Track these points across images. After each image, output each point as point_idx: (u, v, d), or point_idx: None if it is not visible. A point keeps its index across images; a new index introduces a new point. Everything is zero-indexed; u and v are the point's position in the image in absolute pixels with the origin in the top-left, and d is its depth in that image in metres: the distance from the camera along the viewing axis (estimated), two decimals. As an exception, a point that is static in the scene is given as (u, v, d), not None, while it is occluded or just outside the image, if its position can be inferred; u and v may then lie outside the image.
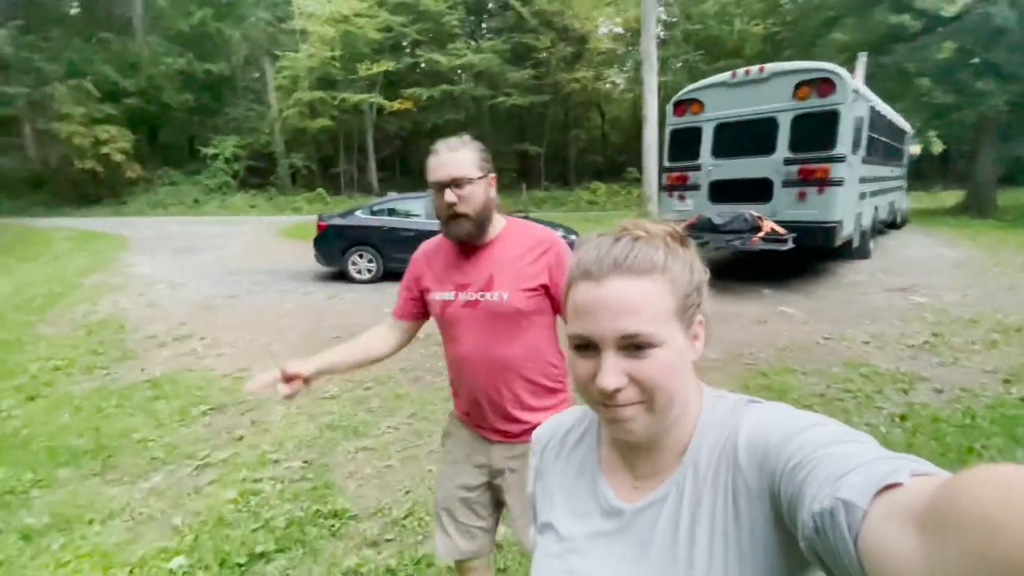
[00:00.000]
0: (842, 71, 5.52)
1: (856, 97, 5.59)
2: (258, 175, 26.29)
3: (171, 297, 6.28)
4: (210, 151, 24.37)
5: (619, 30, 27.74)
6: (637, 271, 0.50)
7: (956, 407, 3.00)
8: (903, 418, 2.90)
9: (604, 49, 26.58)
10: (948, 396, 3.16)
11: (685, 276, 0.52)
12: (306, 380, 1.19)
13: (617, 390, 0.49)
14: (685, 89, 6.75)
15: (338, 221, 7.45)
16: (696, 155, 6.54)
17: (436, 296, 1.27)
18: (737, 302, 5.58)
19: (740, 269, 7.23)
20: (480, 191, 1.18)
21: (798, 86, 5.60)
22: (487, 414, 1.25)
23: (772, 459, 0.46)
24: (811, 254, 6.95)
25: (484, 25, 28.44)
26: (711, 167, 6.43)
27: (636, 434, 0.52)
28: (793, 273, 6.68)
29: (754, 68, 6.02)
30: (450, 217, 1.18)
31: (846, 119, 5.43)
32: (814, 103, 5.51)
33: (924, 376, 3.47)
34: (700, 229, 6.24)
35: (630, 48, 28.29)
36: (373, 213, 7.43)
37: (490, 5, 27.80)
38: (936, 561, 0.28)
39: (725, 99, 6.25)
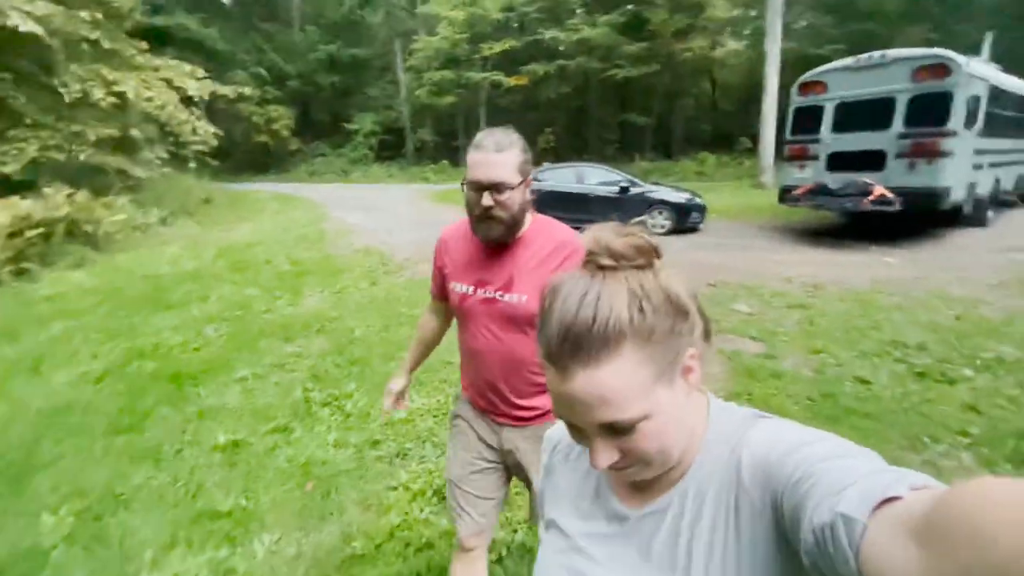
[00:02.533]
0: (959, 56, 6.34)
1: (971, 79, 6.38)
2: (389, 148, 29.69)
3: (394, 237, 8.68)
4: (353, 127, 28.03)
5: (738, -10, 27.08)
6: (603, 352, 0.46)
7: (1001, 315, 4.23)
8: (958, 318, 4.21)
9: (719, 18, 26.13)
10: (998, 310, 4.37)
11: (660, 324, 0.48)
12: (407, 388, 1.50)
13: (611, 465, 0.50)
14: (810, 72, 7.77)
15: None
16: (817, 130, 7.61)
17: (455, 286, 1.30)
18: (845, 254, 6.77)
19: (856, 232, 8.20)
20: (517, 196, 1.17)
21: (916, 70, 6.51)
22: (498, 404, 1.29)
23: (775, 476, 0.46)
24: (925, 220, 7.75)
25: (598, -3, 28.93)
26: (830, 140, 7.49)
27: (639, 479, 0.55)
28: (906, 236, 7.58)
29: (876, 54, 6.94)
30: (483, 217, 1.18)
31: (959, 99, 6.28)
32: (930, 85, 6.41)
33: (988, 300, 4.64)
34: (817, 193, 7.41)
35: (748, 11, 27.52)
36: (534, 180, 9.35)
37: (606, -23, 28.24)
38: (933, 571, 0.29)
39: (847, 81, 7.24)
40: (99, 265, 6.99)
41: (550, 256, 1.22)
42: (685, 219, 8.47)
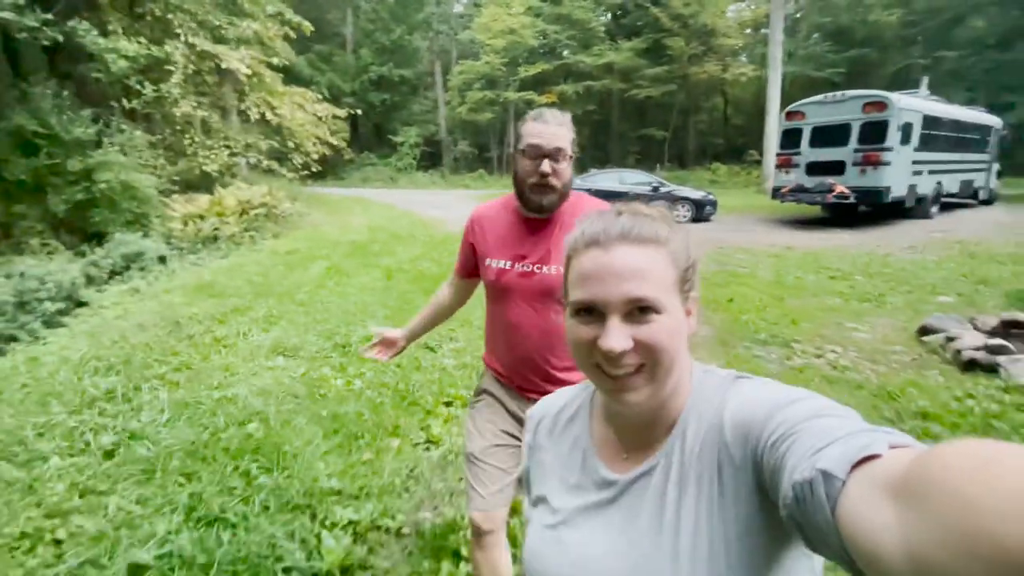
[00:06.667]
0: (893, 95, 9.17)
1: (902, 111, 9.18)
2: (428, 159, 32.97)
3: (483, 224, 11.59)
4: (398, 139, 31.36)
5: (747, 14, 30.12)
6: (643, 240, 0.53)
7: (898, 259, 7.01)
8: (869, 260, 6.98)
9: (731, 45, 29.08)
10: (898, 256, 7.16)
11: (683, 253, 0.56)
12: (399, 345, 1.55)
13: (623, 352, 0.51)
14: (793, 104, 10.66)
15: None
16: (798, 145, 10.45)
17: (492, 263, 1.35)
18: (815, 233, 9.59)
19: (831, 222, 10.93)
20: (569, 169, 1.27)
21: (864, 105, 9.33)
22: (530, 377, 1.34)
23: (756, 433, 0.48)
24: (884, 214, 10.50)
25: (623, 22, 32.05)
26: (807, 152, 10.32)
27: (636, 404, 0.55)
28: (867, 224, 10.32)
29: (838, 93, 9.82)
30: (539, 185, 1.24)
31: (893, 125, 9.10)
32: (873, 115, 9.23)
33: (896, 254, 7.41)
34: (797, 191, 10.25)
35: (757, 33, 30.46)
36: (582, 181, 12.23)
37: (629, 5, 31.41)
38: (911, 532, 0.29)
39: (819, 111, 10.09)
40: (288, 237, 10.00)
41: None
42: (701, 211, 11.32)
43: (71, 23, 7.79)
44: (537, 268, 1.29)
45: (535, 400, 1.00)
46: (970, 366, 3.39)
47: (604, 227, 0.54)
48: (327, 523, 1.97)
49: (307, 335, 4.18)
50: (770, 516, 0.47)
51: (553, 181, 1.23)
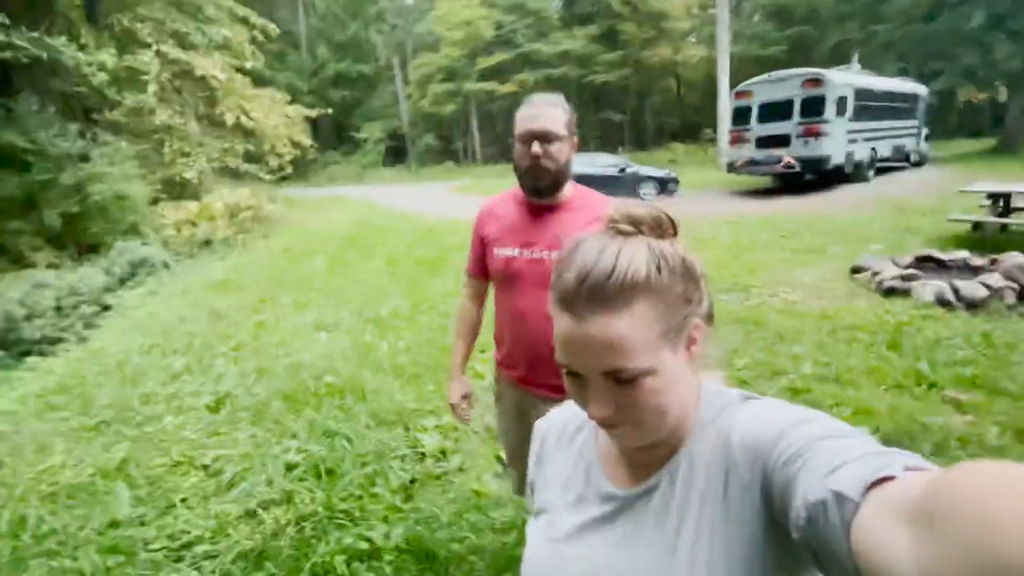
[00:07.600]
0: (828, 72, 10.19)
1: (836, 86, 10.22)
2: (393, 154, 33.05)
3: (461, 214, 12.13)
4: (362, 136, 31.31)
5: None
6: (618, 301, 0.49)
7: (834, 212, 8.00)
8: (811, 217, 7.94)
9: (681, 27, 30.21)
10: (834, 212, 8.15)
11: (675, 286, 0.51)
12: (467, 382, 1.52)
13: (607, 416, 0.52)
14: (742, 84, 11.61)
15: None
16: (748, 121, 11.41)
17: (500, 251, 1.37)
18: (766, 201, 10.58)
19: (783, 190, 11.97)
20: (564, 149, 1.27)
21: (804, 82, 10.32)
22: (539, 369, 1.33)
23: (765, 453, 0.47)
24: (827, 180, 11.57)
25: (575, 10, 32.71)
26: (756, 128, 11.29)
27: (626, 446, 0.57)
28: (812, 190, 11.38)
29: (781, 72, 10.79)
30: (532, 167, 1.26)
31: (829, 99, 10.12)
32: (812, 91, 10.23)
33: (831, 211, 8.41)
34: (750, 164, 11.21)
35: (705, 13, 31.68)
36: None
37: (580, -7, 32.09)
38: (927, 553, 0.29)
39: (765, 89, 11.05)
40: (278, 236, 10.35)
41: (595, 220, 1.30)
42: (665, 188, 12.20)
43: (48, 39, 7.92)
44: (547, 255, 1.30)
45: (541, 396, 1.25)
46: (889, 292, 4.26)
47: (577, 280, 0.50)
48: (419, 428, 2.61)
49: (339, 314, 4.74)
50: (775, 538, 0.47)
51: (546, 163, 1.26)
